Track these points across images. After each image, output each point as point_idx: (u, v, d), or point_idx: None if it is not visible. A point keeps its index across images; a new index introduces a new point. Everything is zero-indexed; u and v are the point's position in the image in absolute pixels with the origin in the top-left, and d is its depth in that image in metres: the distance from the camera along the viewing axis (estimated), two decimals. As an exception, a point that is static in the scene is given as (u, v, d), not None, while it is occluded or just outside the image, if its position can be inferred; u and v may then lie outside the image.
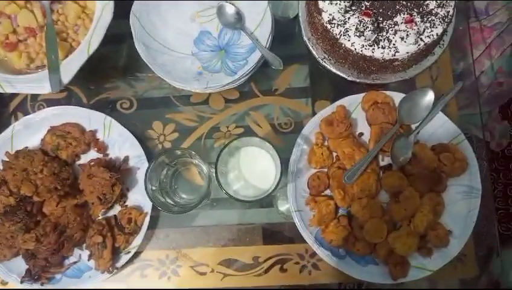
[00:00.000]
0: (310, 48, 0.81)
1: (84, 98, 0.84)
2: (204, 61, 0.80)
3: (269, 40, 0.76)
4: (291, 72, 0.84)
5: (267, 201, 0.79)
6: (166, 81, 0.77)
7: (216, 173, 0.66)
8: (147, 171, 0.68)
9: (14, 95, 0.85)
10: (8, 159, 0.77)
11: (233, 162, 0.72)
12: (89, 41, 0.73)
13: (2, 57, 0.79)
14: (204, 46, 0.81)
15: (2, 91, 0.74)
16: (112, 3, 0.74)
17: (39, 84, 0.73)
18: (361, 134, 0.79)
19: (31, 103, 0.85)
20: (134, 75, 0.86)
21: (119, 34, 0.80)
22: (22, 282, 0.75)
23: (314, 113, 0.82)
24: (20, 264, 0.76)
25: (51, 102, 0.84)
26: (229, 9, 0.80)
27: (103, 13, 0.74)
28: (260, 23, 0.78)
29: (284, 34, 0.83)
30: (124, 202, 0.79)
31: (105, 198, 0.75)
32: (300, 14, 0.82)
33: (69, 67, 0.73)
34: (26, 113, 0.84)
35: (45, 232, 0.74)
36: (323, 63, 0.80)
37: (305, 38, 0.82)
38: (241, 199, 0.67)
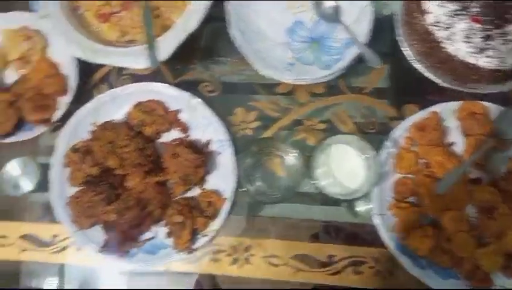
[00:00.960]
0: (403, 48, 0.79)
1: (169, 76, 0.84)
2: (297, 52, 0.79)
3: (368, 36, 0.74)
4: (380, 72, 0.82)
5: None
6: (257, 69, 0.76)
7: (312, 167, 0.65)
8: (243, 160, 0.67)
9: (98, 67, 0.85)
10: (94, 129, 0.77)
11: (323, 158, 0.71)
12: (188, 20, 0.72)
13: (95, 28, 0.79)
14: (296, 37, 0.80)
15: (96, 62, 0.73)
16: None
17: (136, 58, 0.72)
18: (452, 143, 0.77)
19: (117, 77, 0.85)
20: (218, 59, 0.85)
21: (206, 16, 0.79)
22: (100, 252, 0.76)
23: (400, 117, 0.80)
24: (98, 234, 0.77)
25: (135, 77, 0.84)
26: (327, 1, 0.78)
27: (205, -5, 0.72)
28: (358, 19, 0.76)
29: (374, 31, 0.81)
30: (203, 185, 0.78)
31: (188, 179, 0.75)
32: (395, 12, 0.80)
33: (166, 44, 0.72)
34: (109, 86, 0.84)
35: (128, 205, 0.74)
36: (416, 66, 0.78)
37: (398, 37, 0.79)
38: (333, 195, 0.66)
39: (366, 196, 0.73)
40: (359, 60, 0.76)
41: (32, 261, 0.81)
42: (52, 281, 0.80)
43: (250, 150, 0.70)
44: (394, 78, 0.81)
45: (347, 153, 0.70)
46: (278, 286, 0.77)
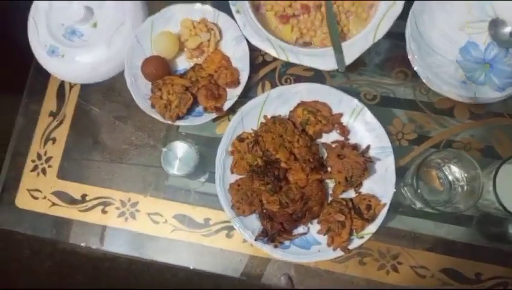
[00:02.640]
0: None
1: (328, 79, 0.87)
2: (468, 71, 0.81)
3: (545, 64, 0.76)
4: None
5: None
6: (429, 83, 0.78)
7: (495, 191, 0.67)
8: (417, 169, 0.69)
9: (264, 64, 0.89)
10: (265, 122, 0.81)
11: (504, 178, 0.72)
12: (377, 28, 0.75)
13: (274, 28, 0.84)
14: (469, 57, 0.82)
15: (285, 59, 0.77)
16: (404, -4, 0.76)
17: (322, 59, 0.76)
18: None
19: (279, 75, 0.89)
20: (384, 71, 0.87)
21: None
22: (256, 239, 0.78)
23: (561, 146, 0.81)
24: (253, 222, 0.80)
25: (298, 77, 0.88)
26: (503, 26, 0.80)
27: (393, 6, 0.76)
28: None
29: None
30: (359, 188, 0.81)
31: (351, 180, 0.77)
32: None
33: (352, 49, 0.76)
34: (272, 84, 0.88)
35: (292, 199, 0.77)
36: None
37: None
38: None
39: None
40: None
41: (181, 241, 0.85)
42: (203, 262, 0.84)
43: (414, 161, 0.71)
44: None
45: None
46: None
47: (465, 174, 0.74)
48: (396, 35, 0.81)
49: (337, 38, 0.76)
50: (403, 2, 0.76)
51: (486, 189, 0.69)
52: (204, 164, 0.82)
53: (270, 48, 0.77)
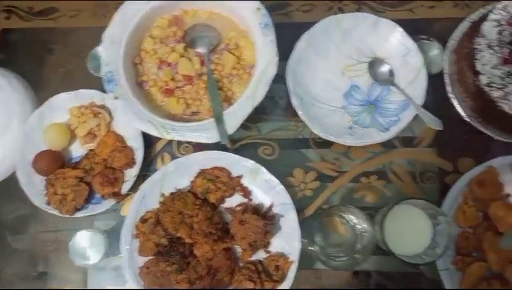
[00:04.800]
0: (455, 105, 0.82)
1: (228, 143, 0.87)
2: (354, 115, 0.82)
3: (423, 98, 0.78)
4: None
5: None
6: (317, 133, 0.79)
7: (382, 231, 0.68)
8: (311, 227, 0.70)
9: (159, 138, 0.88)
10: (163, 201, 0.80)
11: (391, 220, 0.73)
12: (255, 94, 0.76)
13: (159, 102, 0.83)
14: (353, 100, 0.83)
15: (169, 138, 0.77)
16: (276, 58, 0.76)
17: (205, 133, 0.76)
18: (509, 195, 0.79)
19: (177, 145, 0.88)
20: (274, 118, 0.88)
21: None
22: (173, 321, 0.78)
23: (456, 170, 0.82)
24: (169, 302, 0.79)
25: (197, 144, 0.87)
26: (381, 66, 0.82)
27: (268, 67, 0.76)
28: (413, 80, 0.79)
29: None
30: (268, 248, 0.81)
31: (256, 245, 0.77)
32: (446, 71, 0.83)
33: (233, 118, 0.76)
34: (172, 155, 0.88)
35: (199, 275, 0.76)
36: (470, 121, 0.81)
37: (450, 94, 0.82)
38: (403, 259, 0.68)
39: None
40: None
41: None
42: None
43: (314, 213, 0.72)
44: (448, 132, 0.84)
45: (416, 215, 0.72)
46: None
47: (362, 223, 0.75)
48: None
49: (218, 110, 0.76)
50: (276, 62, 0.77)
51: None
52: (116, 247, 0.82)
53: (152, 129, 0.76)
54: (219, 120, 0.75)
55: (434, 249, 0.70)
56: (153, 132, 0.77)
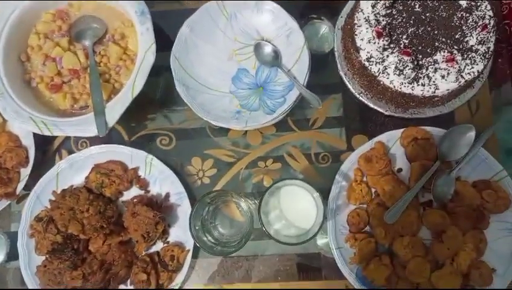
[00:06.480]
0: (346, 82, 0.82)
1: (125, 135, 0.87)
2: (242, 99, 0.81)
3: (306, 77, 0.77)
4: (327, 106, 0.84)
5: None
6: (208, 120, 0.79)
7: (259, 214, 0.67)
8: (190, 215, 0.70)
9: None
10: (55, 198, 0.79)
11: (274, 202, 0.73)
12: (133, 84, 0.75)
13: (48, 98, 0.82)
14: (242, 84, 0.82)
15: (49, 134, 0.76)
16: (154, 46, 0.76)
17: (85, 126, 0.75)
18: (400, 169, 0.79)
19: (74, 141, 0.87)
20: (171, 109, 0.87)
21: (155, 67, 0.78)
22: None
23: (350, 148, 0.82)
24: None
25: (93, 139, 0.86)
26: (266, 47, 0.81)
27: (146, 55, 0.75)
28: (297, 60, 0.79)
29: (319, 67, 0.83)
30: (166, 239, 0.80)
31: (149, 236, 0.77)
32: (335, 49, 0.83)
33: (114, 110, 0.75)
34: (70, 151, 0.87)
35: (92, 270, 0.76)
36: (360, 98, 0.81)
37: (341, 73, 0.82)
38: (282, 240, 0.68)
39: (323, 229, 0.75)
40: (304, 98, 0.78)
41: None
42: None
43: (203, 200, 0.72)
44: (342, 110, 0.84)
45: (295, 193, 0.71)
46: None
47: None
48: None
49: (97, 102, 0.75)
50: (153, 51, 0.76)
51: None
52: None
53: (33, 126, 0.75)
54: (98, 113, 0.74)
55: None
56: (34, 129, 0.76)
